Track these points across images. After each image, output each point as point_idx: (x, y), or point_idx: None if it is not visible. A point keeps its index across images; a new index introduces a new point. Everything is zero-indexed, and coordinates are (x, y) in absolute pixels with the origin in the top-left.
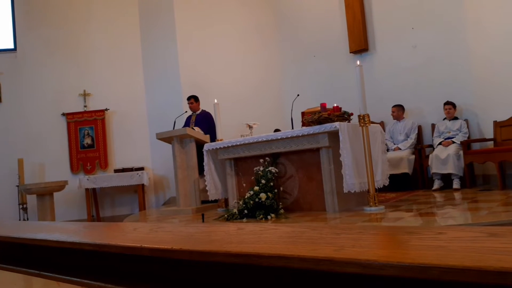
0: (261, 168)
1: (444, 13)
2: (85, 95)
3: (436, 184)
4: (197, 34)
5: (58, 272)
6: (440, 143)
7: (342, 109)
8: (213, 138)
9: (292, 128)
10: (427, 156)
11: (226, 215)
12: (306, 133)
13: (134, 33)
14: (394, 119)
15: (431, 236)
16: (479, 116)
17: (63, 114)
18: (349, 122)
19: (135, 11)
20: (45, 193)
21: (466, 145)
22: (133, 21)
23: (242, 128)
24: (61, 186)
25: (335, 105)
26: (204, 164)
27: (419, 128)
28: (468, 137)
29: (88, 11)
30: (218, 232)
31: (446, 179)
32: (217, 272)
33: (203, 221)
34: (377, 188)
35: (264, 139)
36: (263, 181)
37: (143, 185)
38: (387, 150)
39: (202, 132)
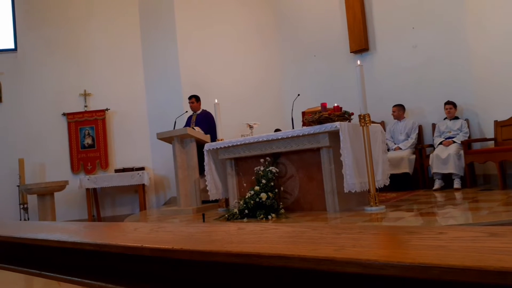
0: (262, 168)
1: (444, 13)
2: (85, 95)
3: (437, 184)
4: (197, 34)
5: (59, 272)
6: (440, 143)
7: (343, 109)
8: (214, 138)
9: (293, 128)
10: (428, 156)
11: (226, 215)
12: (306, 133)
13: (135, 33)
14: (394, 118)
15: (432, 236)
16: (480, 116)
17: (64, 114)
18: (349, 122)
19: (135, 11)
20: (46, 193)
21: (466, 144)
22: (134, 21)
23: (243, 128)
24: (61, 186)
25: (335, 104)
26: (204, 164)
27: (420, 128)
28: (469, 137)
29: (88, 11)
30: (219, 232)
31: (447, 179)
32: (218, 272)
33: (203, 221)
34: (377, 188)
35: (265, 139)
36: (263, 181)
37: (143, 185)
38: (388, 150)
39: (202, 132)
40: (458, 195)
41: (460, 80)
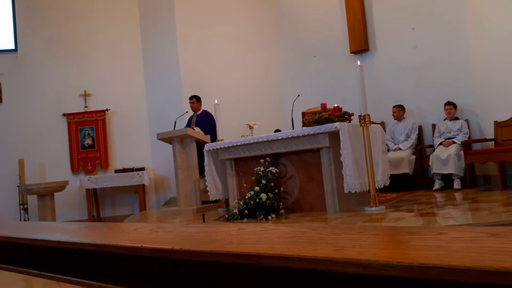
0: (262, 169)
1: (444, 13)
2: (85, 95)
3: (437, 184)
4: (198, 34)
5: (58, 272)
6: (440, 143)
7: (343, 109)
8: (214, 139)
9: (293, 128)
10: (428, 157)
11: (226, 216)
12: (306, 134)
13: (135, 34)
14: (395, 119)
15: (432, 236)
16: (480, 116)
17: (64, 115)
18: (349, 122)
19: (136, 12)
20: (46, 193)
21: (466, 145)
22: (134, 22)
23: (243, 128)
24: (61, 186)
25: (335, 105)
26: (204, 164)
27: (420, 128)
28: (469, 137)
29: (88, 12)
30: (219, 232)
31: (447, 179)
32: (218, 272)
33: (203, 221)
34: (377, 188)
35: (265, 140)
36: (263, 182)
37: (143, 185)
38: (388, 150)
39: (202, 132)
40: (458, 195)
41: (460, 81)
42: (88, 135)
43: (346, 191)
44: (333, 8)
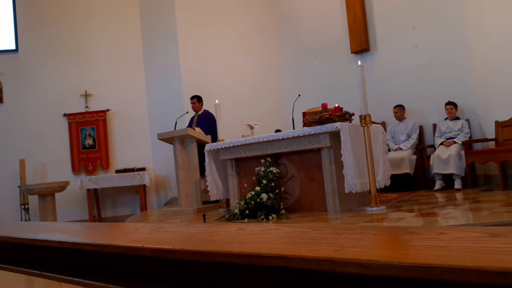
0: (262, 169)
1: (445, 13)
2: (86, 95)
3: (438, 184)
4: (198, 34)
5: (59, 272)
6: (441, 143)
7: (343, 109)
8: (215, 139)
9: (293, 128)
10: (429, 156)
11: (227, 216)
12: (307, 134)
13: (135, 34)
14: (397, 119)
15: (432, 236)
16: (481, 116)
17: (65, 115)
18: (350, 122)
19: (136, 12)
20: (47, 193)
21: (467, 145)
22: (134, 22)
23: (243, 128)
24: (62, 186)
25: (336, 105)
26: (205, 164)
27: (421, 128)
28: (470, 137)
29: (89, 12)
30: (220, 232)
31: (448, 179)
32: (218, 272)
33: (204, 221)
34: (378, 188)
35: (265, 140)
36: (264, 182)
37: (144, 185)
38: (389, 150)
39: (203, 132)
40: (459, 195)
41: (460, 81)
42: (89, 135)
43: (347, 191)
44: (334, 8)
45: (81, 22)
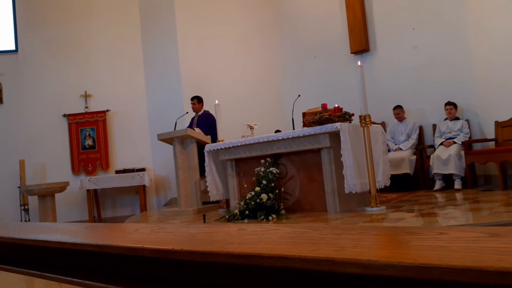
0: (262, 169)
1: (445, 13)
2: (86, 96)
3: (438, 184)
4: (198, 34)
5: (59, 273)
6: (441, 144)
7: (343, 110)
8: (215, 139)
9: (293, 128)
10: (429, 157)
11: (227, 216)
12: (307, 134)
13: (135, 34)
14: (398, 120)
15: (432, 236)
16: (481, 117)
17: (64, 115)
18: (350, 122)
19: (136, 12)
20: (47, 194)
21: (467, 145)
22: (134, 22)
23: (243, 128)
24: (62, 187)
25: (336, 105)
26: (205, 165)
27: (420, 128)
28: (470, 138)
29: (89, 12)
30: (219, 232)
31: (448, 179)
32: (218, 272)
33: (204, 222)
34: (378, 188)
35: (265, 140)
36: (264, 182)
37: (144, 186)
38: (388, 150)
39: (202, 133)
40: (458, 195)
41: (460, 81)
42: (88, 136)
43: (346, 191)
44: (333, 8)
45: (80, 22)
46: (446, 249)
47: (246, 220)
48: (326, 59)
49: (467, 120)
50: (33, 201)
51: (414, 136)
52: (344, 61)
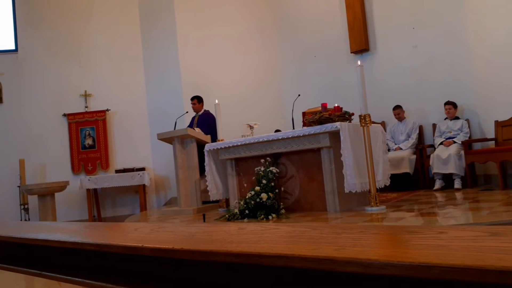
0: (262, 168)
1: (445, 13)
2: (86, 95)
3: (437, 184)
4: (198, 34)
5: (59, 272)
6: (441, 143)
7: (343, 109)
8: (215, 139)
9: (293, 128)
10: (428, 156)
11: (227, 215)
12: (307, 133)
13: (135, 34)
14: (398, 120)
15: (432, 235)
16: (480, 116)
17: (64, 115)
18: (350, 122)
19: (136, 12)
20: (46, 193)
21: (467, 145)
22: (134, 22)
23: (243, 128)
24: (62, 186)
25: (336, 105)
26: (205, 164)
27: (420, 128)
28: (469, 137)
29: (89, 12)
30: (219, 232)
31: (448, 179)
32: (218, 271)
33: (204, 221)
34: (378, 188)
35: (265, 139)
36: (264, 181)
37: (144, 185)
38: (388, 150)
39: (202, 132)
40: (458, 195)
41: (460, 80)
42: (88, 135)
43: (346, 190)
44: (333, 8)
45: (80, 22)
46: (446, 248)
47: (246, 220)
48: (326, 58)
49: (467, 120)
50: (33, 200)
51: (414, 136)
52: (344, 60)
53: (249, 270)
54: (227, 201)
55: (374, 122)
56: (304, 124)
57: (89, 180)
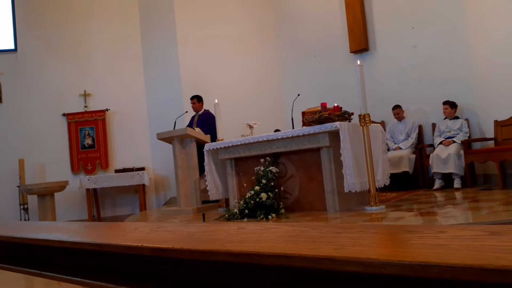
0: (262, 168)
1: (444, 13)
2: (85, 95)
3: (437, 183)
4: (198, 34)
5: (59, 271)
6: (440, 143)
7: (343, 109)
8: (214, 138)
9: (293, 128)
10: (428, 156)
11: (227, 215)
12: (306, 133)
13: (135, 33)
14: (398, 120)
15: (432, 234)
16: (480, 116)
17: (64, 115)
18: (349, 121)
19: (136, 12)
20: (46, 193)
21: (466, 144)
22: (134, 22)
23: (243, 128)
24: (61, 186)
25: (335, 104)
26: (204, 164)
27: (420, 127)
28: (469, 137)
29: (88, 12)
30: (219, 231)
31: (447, 178)
32: (218, 271)
33: (204, 221)
34: (377, 187)
35: (265, 139)
36: (263, 181)
37: (143, 185)
38: (388, 149)
39: (202, 132)
40: (458, 194)
41: (460, 80)
42: (88, 135)
43: (346, 190)
44: (333, 8)
45: (80, 22)
46: (445, 247)
47: (245, 219)
48: (326, 58)
49: (467, 119)
50: (32, 200)
51: (414, 135)
52: (343, 60)
53: (249, 270)
54: (226, 200)
55: (373, 122)
56: (304, 124)
57: (88, 180)
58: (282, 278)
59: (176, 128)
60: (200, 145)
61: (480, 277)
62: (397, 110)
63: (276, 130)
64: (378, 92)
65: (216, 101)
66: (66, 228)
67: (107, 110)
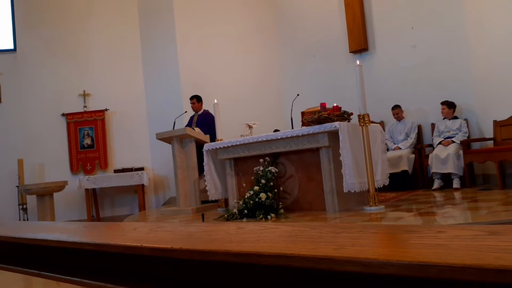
0: (261, 168)
1: (444, 13)
2: (84, 95)
3: (436, 183)
4: (197, 33)
5: (58, 272)
6: (440, 143)
7: (342, 109)
8: (214, 138)
9: (292, 128)
10: (427, 156)
11: (226, 215)
12: (306, 133)
13: (134, 33)
14: (397, 120)
15: (431, 234)
16: (479, 116)
17: (63, 115)
18: (349, 121)
19: (135, 11)
20: (45, 193)
21: (466, 144)
22: (133, 21)
23: (242, 128)
24: (61, 186)
25: (335, 104)
26: (204, 164)
27: (419, 127)
28: (468, 137)
29: (88, 12)
30: (218, 231)
31: (446, 178)
32: (218, 271)
33: (203, 221)
34: (377, 187)
35: (264, 139)
36: (263, 181)
37: (143, 185)
38: (387, 149)
39: (202, 132)
40: (457, 194)
41: (459, 80)
42: (87, 135)
43: (345, 190)
44: (333, 8)
45: (79, 22)
46: (445, 247)
47: (245, 219)
48: (325, 58)
49: (466, 119)
50: (31, 200)
51: (413, 135)
52: (343, 60)
53: (248, 270)
54: (226, 200)
55: (373, 122)
56: (303, 124)
57: (87, 180)
58: (281, 278)
59: (175, 128)
60: (200, 145)
61: (479, 277)
62: (397, 110)
63: (276, 130)
64: (377, 92)
65: (215, 101)
66: (65, 228)
67: (106, 110)
